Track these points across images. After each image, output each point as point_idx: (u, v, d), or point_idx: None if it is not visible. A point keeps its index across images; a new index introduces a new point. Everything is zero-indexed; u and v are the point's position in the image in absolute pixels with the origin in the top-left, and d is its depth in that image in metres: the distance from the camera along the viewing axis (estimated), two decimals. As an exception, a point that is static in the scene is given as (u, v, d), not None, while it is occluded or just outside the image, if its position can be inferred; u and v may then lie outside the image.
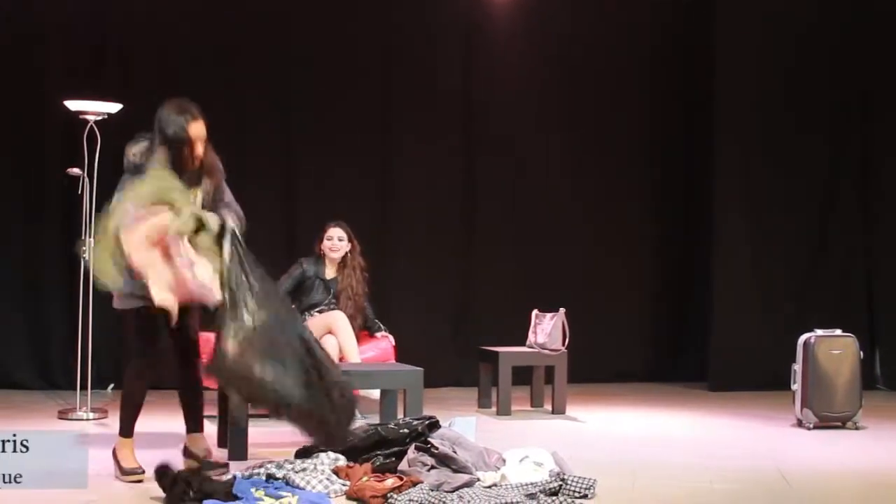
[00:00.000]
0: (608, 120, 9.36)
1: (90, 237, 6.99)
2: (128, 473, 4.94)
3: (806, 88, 9.16)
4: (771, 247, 9.11)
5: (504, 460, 5.06)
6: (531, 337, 7.53)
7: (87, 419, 6.84)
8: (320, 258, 7.24)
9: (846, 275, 9.31)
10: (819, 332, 7.00)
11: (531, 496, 4.60)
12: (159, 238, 4.74)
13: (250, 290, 4.76)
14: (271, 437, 6.11)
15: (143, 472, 4.91)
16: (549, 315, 7.44)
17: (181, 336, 5.11)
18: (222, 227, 4.84)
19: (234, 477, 4.68)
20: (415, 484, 4.67)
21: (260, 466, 4.89)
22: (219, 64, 8.44)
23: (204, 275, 4.73)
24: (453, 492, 4.61)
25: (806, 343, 6.95)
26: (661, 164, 9.54)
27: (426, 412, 5.59)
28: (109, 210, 4.88)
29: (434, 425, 5.23)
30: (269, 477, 4.76)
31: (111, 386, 8.15)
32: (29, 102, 8.20)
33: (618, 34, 9.36)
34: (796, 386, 6.93)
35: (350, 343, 6.85)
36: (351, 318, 7.03)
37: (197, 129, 4.94)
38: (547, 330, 7.39)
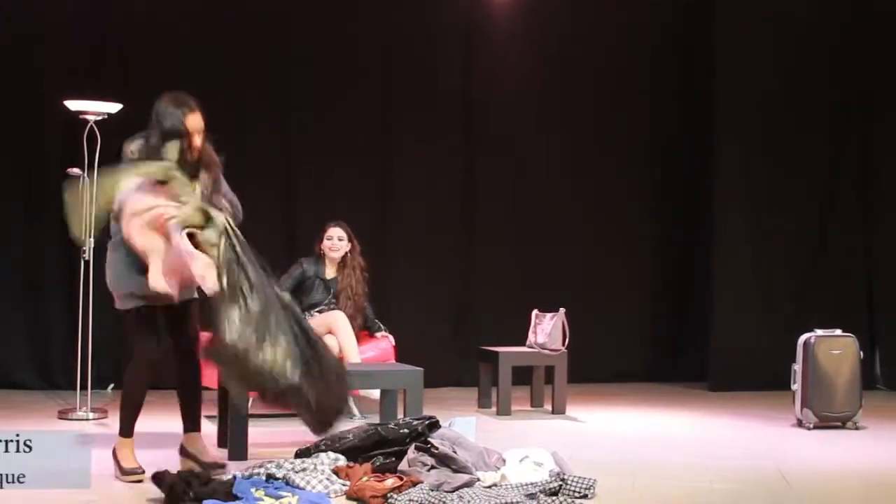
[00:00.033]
0: (608, 120, 9.36)
1: (90, 237, 6.99)
2: (128, 473, 4.94)
3: (806, 88, 9.16)
4: (771, 247, 9.11)
5: (504, 460, 5.06)
6: (531, 337, 7.53)
7: (87, 419, 6.84)
8: (320, 258, 7.24)
9: (846, 275, 9.32)
10: (819, 332, 7.00)
11: (531, 496, 4.60)
12: (160, 224, 4.74)
13: (247, 277, 4.74)
14: (271, 437, 6.11)
15: (143, 472, 4.91)
16: (549, 315, 7.44)
17: (181, 336, 5.11)
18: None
19: (234, 477, 4.67)
20: (415, 484, 4.67)
21: (260, 466, 4.89)
22: (219, 64, 8.44)
23: (202, 264, 4.72)
24: (453, 492, 4.61)
25: (806, 343, 6.95)
26: (661, 164, 9.54)
27: (426, 412, 5.59)
28: (114, 171, 4.88)
29: (434, 425, 5.23)
30: (269, 477, 4.76)
31: (111, 386, 8.15)
32: (29, 102, 8.20)
33: (618, 34, 9.37)
34: (796, 386, 6.93)
35: (350, 343, 6.85)
36: (351, 317, 7.03)
37: (194, 121, 4.94)
38: (547, 330, 7.39)
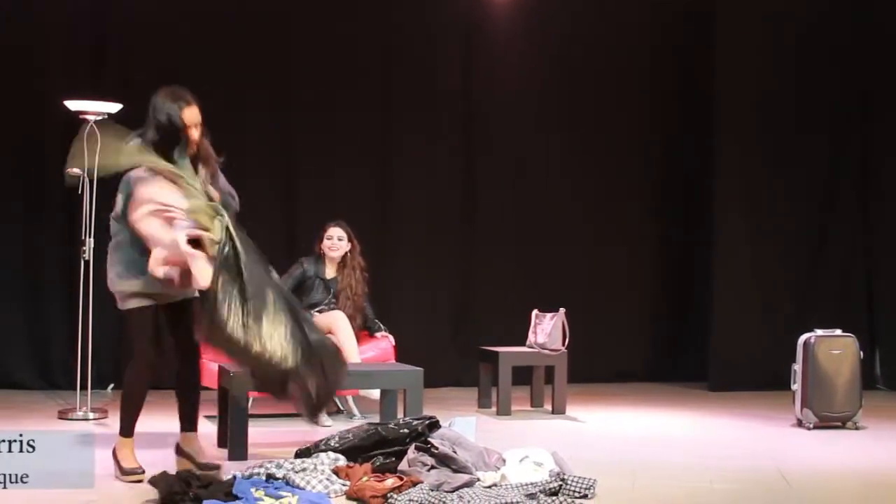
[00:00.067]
0: (608, 120, 9.36)
1: (90, 237, 7.00)
2: (128, 473, 4.94)
3: (806, 88, 9.16)
4: (771, 247, 9.11)
5: (504, 460, 5.06)
6: (531, 337, 7.53)
7: (88, 419, 6.83)
8: (320, 258, 7.24)
9: (846, 275, 9.32)
10: (819, 332, 7.00)
11: (531, 496, 4.60)
12: (167, 219, 4.75)
13: (245, 270, 4.74)
14: (271, 437, 6.12)
15: (144, 472, 4.91)
16: (549, 315, 7.44)
17: (181, 336, 5.11)
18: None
19: (234, 477, 4.68)
20: (415, 484, 4.67)
21: (260, 466, 4.89)
22: (219, 64, 8.43)
23: (200, 263, 4.73)
24: (453, 492, 4.61)
25: (806, 343, 6.95)
26: (661, 164, 9.54)
27: (426, 412, 5.60)
28: (119, 144, 4.91)
29: (434, 425, 5.23)
30: (269, 477, 4.76)
31: (111, 386, 8.15)
32: (29, 102, 8.20)
33: (618, 34, 9.37)
34: (796, 386, 6.93)
35: (350, 343, 6.85)
36: (350, 317, 7.03)
37: (191, 114, 4.95)
38: (547, 330, 7.39)
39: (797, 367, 6.94)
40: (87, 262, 7.01)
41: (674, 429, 7.01)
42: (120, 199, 4.97)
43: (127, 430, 5.05)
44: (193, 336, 5.16)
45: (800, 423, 6.94)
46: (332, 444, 5.19)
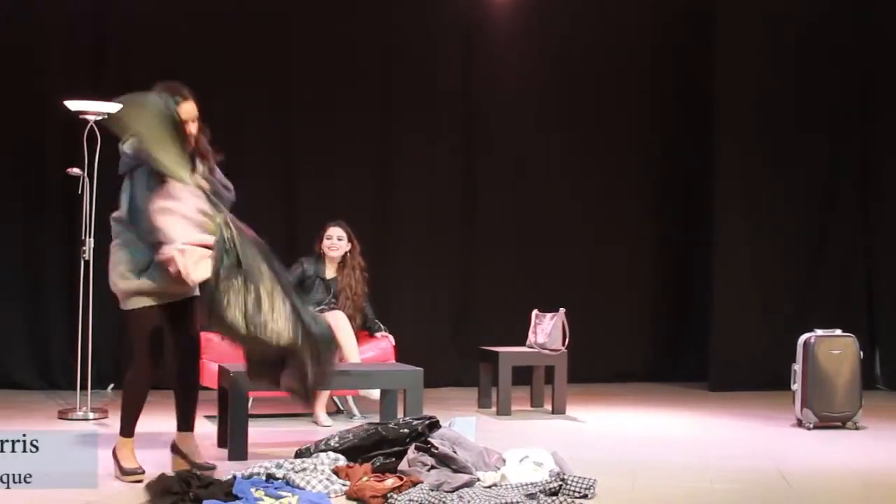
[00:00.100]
0: (608, 120, 9.36)
1: (90, 237, 7.00)
2: (128, 473, 4.94)
3: (806, 88, 9.16)
4: (771, 247, 9.11)
5: (504, 460, 5.06)
6: (531, 337, 7.53)
7: (88, 419, 6.83)
8: (320, 258, 7.24)
9: (846, 275, 9.32)
10: (819, 332, 7.00)
11: (531, 496, 4.60)
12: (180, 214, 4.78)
13: (245, 260, 4.76)
14: (271, 437, 6.12)
15: (144, 472, 4.92)
16: (549, 315, 7.44)
17: (182, 335, 5.11)
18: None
19: (234, 477, 4.68)
20: (415, 484, 4.67)
21: (260, 466, 4.89)
22: (219, 64, 8.43)
23: (196, 257, 4.75)
24: (453, 492, 4.61)
25: (806, 343, 6.95)
26: (661, 164, 9.54)
27: (426, 412, 5.60)
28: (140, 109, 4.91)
29: (434, 425, 5.23)
30: (269, 477, 4.76)
31: (111, 386, 8.15)
32: (29, 102, 8.20)
33: (618, 34, 9.37)
34: (796, 386, 6.93)
35: (350, 343, 6.86)
36: (350, 317, 7.03)
37: (188, 109, 4.95)
38: (547, 330, 7.39)
39: (797, 367, 6.94)
40: (87, 262, 7.01)
41: (674, 429, 7.01)
42: (124, 199, 4.97)
43: (127, 430, 5.05)
44: (193, 336, 5.17)
45: (800, 423, 6.94)
46: (332, 444, 5.19)
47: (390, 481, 4.67)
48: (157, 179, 4.85)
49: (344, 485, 4.76)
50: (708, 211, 9.13)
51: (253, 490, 4.48)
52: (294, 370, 4.83)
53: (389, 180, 8.97)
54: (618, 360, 9.25)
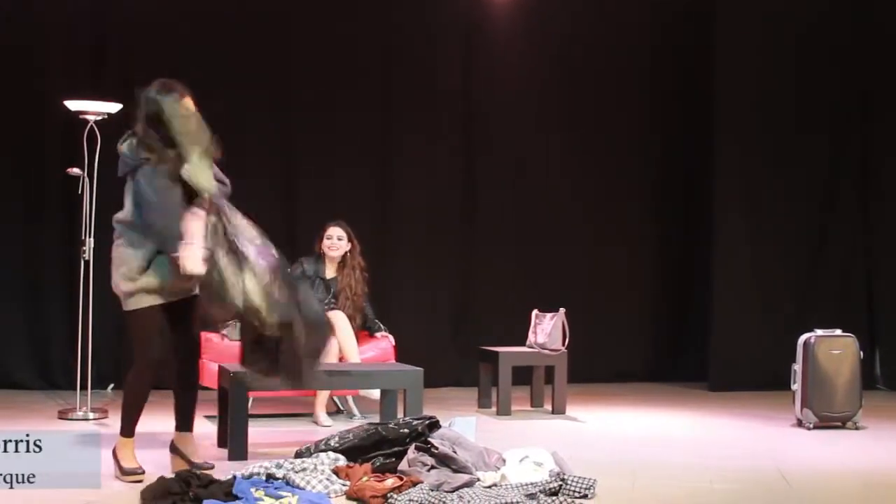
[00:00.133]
0: (608, 120, 9.36)
1: (90, 237, 7.00)
2: (128, 473, 4.94)
3: (806, 88, 9.16)
4: (771, 247, 9.11)
5: (504, 460, 5.06)
6: (531, 337, 7.53)
7: (88, 419, 6.83)
8: (320, 257, 7.24)
9: (846, 275, 9.32)
10: (819, 332, 7.00)
11: (531, 496, 4.60)
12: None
13: (231, 235, 4.80)
14: (271, 437, 6.12)
15: (144, 472, 4.92)
16: (549, 315, 7.44)
17: (182, 335, 5.11)
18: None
19: (234, 477, 4.68)
20: (415, 484, 4.67)
21: (260, 466, 4.89)
22: (219, 64, 8.43)
23: (193, 249, 4.79)
24: (453, 492, 4.61)
25: (806, 343, 6.95)
26: (661, 164, 9.54)
27: (426, 412, 5.59)
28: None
29: (434, 425, 5.23)
30: (269, 477, 4.76)
31: (111, 386, 8.15)
32: (29, 102, 8.20)
33: (618, 34, 9.37)
34: (796, 386, 6.93)
35: (350, 343, 6.86)
36: (350, 317, 7.03)
37: (185, 106, 4.94)
38: (547, 330, 7.39)
39: (797, 367, 6.94)
40: (87, 262, 7.01)
41: (674, 429, 7.01)
42: (128, 200, 4.97)
43: (128, 430, 5.05)
44: (193, 336, 5.17)
45: (800, 423, 6.94)
46: (332, 444, 5.19)
47: (390, 481, 4.67)
48: (164, 178, 4.85)
49: (344, 485, 4.76)
50: (708, 211, 9.13)
51: (253, 490, 4.48)
52: (287, 353, 4.87)
53: (389, 180, 8.97)
54: (618, 360, 9.25)
